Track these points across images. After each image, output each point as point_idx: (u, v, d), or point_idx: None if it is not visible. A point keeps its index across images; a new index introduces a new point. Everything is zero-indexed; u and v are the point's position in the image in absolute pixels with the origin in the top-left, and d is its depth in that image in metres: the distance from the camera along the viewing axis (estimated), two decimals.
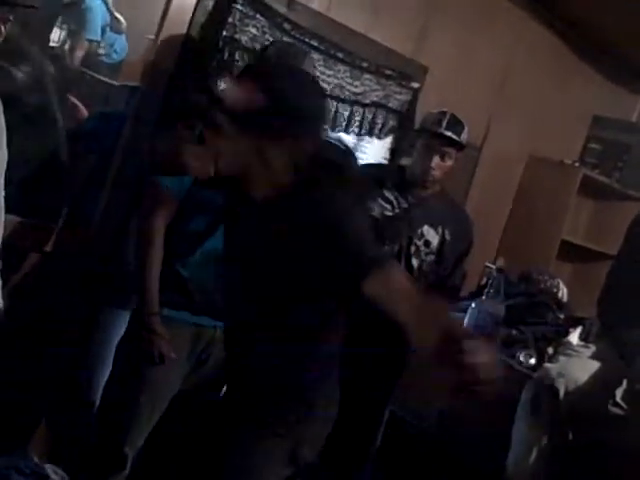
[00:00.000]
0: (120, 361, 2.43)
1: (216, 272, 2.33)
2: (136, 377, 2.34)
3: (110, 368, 2.49)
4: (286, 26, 3.00)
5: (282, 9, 2.97)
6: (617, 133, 4.65)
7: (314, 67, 2.80)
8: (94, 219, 2.81)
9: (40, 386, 2.69)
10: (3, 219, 1.98)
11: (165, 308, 2.36)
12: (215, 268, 2.35)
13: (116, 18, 3.44)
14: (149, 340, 2.31)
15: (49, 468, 2.67)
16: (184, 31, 2.79)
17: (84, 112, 3.31)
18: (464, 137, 2.99)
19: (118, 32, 3.69)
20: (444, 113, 2.97)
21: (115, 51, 3.90)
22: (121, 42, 3.75)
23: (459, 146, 2.98)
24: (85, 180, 2.88)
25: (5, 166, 1.94)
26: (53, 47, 3.86)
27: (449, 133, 2.93)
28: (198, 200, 2.34)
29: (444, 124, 2.93)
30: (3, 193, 1.97)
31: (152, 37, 2.78)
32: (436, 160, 2.93)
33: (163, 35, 2.77)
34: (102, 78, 3.73)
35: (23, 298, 2.63)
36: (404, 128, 3.52)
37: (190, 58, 2.80)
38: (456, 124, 2.96)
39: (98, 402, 2.62)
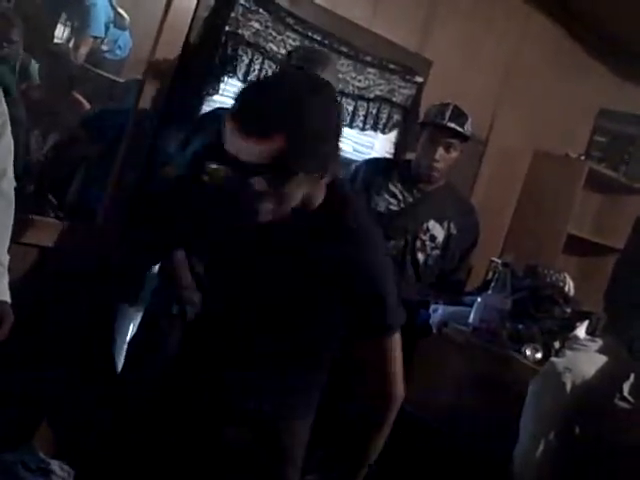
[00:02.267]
0: (131, 359, 2.43)
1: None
2: (147, 376, 2.34)
3: (115, 363, 2.50)
4: (289, 21, 2.99)
5: (285, 3, 2.97)
6: (623, 126, 4.63)
7: (338, 72, 2.79)
8: (98, 215, 2.81)
9: (46, 381, 2.69)
10: (13, 212, 1.98)
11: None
12: None
13: (119, 14, 3.44)
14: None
15: (55, 463, 2.67)
16: (187, 26, 2.79)
17: (87, 108, 3.32)
18: (468, 128, 2.98)
19: (122, 28, 3.69)
20: (447, 105, 2.96)
21: (119, 47, 3.89)
22: (125, 38, 3.75)
23: (463, 137, 2.97)
24: (88, 176, 2.88)
25: (12, 155, 1.93)
26: (57, 44, 3.86)
27: (452, 125, 2.92)
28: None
29: (447, 116, 2.92)
30: (14, 184, 1.96)
31: (155, 33, 2.77)
32: (440, 152, 2.93)
33: (166, 31, 2.76)
34: (106, 74, 3.74)
35: (29, 294, 2.64)
36: (408, 122, 3.51)
37: (193, 53, 2.80)
38: (459, 115, 2.95)
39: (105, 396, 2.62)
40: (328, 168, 1.52)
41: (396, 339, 1.67)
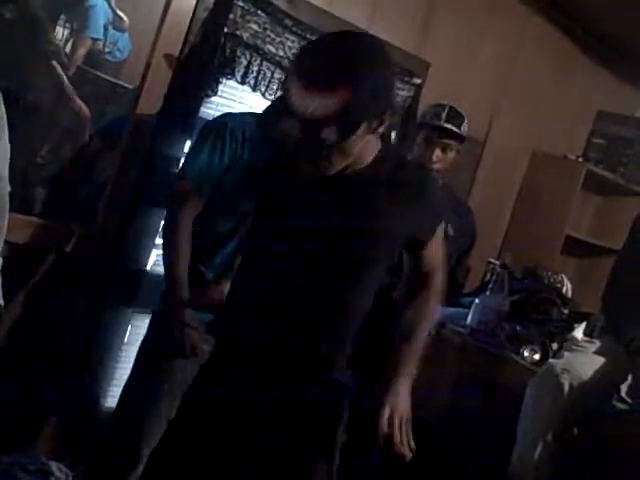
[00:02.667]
0: (141, 362, 2.44)
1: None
2: (157, 380, 2.35)
3: (115, 364, 2.50)
4: (288, 22, 2.99)
5: (284, 5, 2.97)
6: (621, 128, 4.64)
7: None
8: (97, 217, 2.81)
9: (45, 383, 2.69)
10: (7, 216, 1.97)
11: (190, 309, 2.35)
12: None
13: (118, 16, 3.44)
14: (181, 332, 2.30)
15: (54, 465, 2.67)
16: (186, 28, 2.79)
17: (87, 112, 3.32)
18: (464, 129, 2.99)
19: (121, 30, 3.69)
20: (443, 106, 2.97)
21: (118, 49, 3.89)
22: (124, 40, 3.75)
23: (460, 138, 2.97)
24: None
25: (8, 160, 1.93)
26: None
27: (449, 125, 2.92)
28: (222, 202, 2.35)
29: (444, 117, 2.92)
30: (9, 188, 1.95)
31: (154, 35, 2.77)
32: (437, 153, 2.93)
33: (164, 32, 2.76)
34: (106, 76, 3.74)
35: (31, 296, 2.64)
36: (406, 124, 3.52)
37: (192, 55, 2.80)
38: (456, 116, 2.96)
39: (103, 398, 2.62)
40: (385, 118, 1.61)
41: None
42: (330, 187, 1.70)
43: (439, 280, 1.98)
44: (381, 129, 1.65)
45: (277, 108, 2.03)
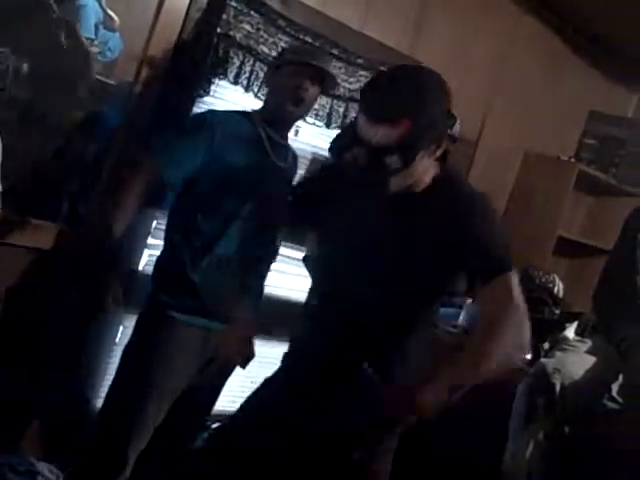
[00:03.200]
0: (127, 365, 2.42)
1: (229, 275, 2.37)
2: (144, 382, 2.33)
3: (106, 365, 2.49)
4: (281, 23, 2.99)
5: (277, 6, 2.97)
6: (613, 129, 4.65)
7: (331, 61, 2.79)
8: (89, 217, 2.80)
9: (35, 383, 2.68)
10: None
11: (176, 312, 2.35)
12: (226, 272, 2.37)
13: (109, 15, 3.42)
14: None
15: (44, 466, 2.66)
16: (178, 28, 2.79)
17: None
18: (456, 129, 2.98)
19: (111, 30, 3.67)
20: None
21: (109, 49, 3.88)
22: (115, 40, 3.73)
23: (452, 139, 2.97)
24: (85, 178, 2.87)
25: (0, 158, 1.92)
26: None
27: None
28: (205, 203, 2.34)
29: None
30: (0, 188, 1.95)
31: (146, 34, 2.77)
32: None
33: (157, 32, 2.76)
34: (97, 76, 3.72)
35: (19, 296, 2.63)
36: None
37: (184, 55, 2.80)
38: (448, 117, 2.95)
39: (94, 399, 2.62)
40: (442, 143, 1.82)
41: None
42: (391, 205, 1.86)
43: (509, 326, 1.79)
44: (439, 152, 1.83)
45: (346, 135, 2.12)
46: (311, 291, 2.08)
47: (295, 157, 2.63)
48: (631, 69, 4.69)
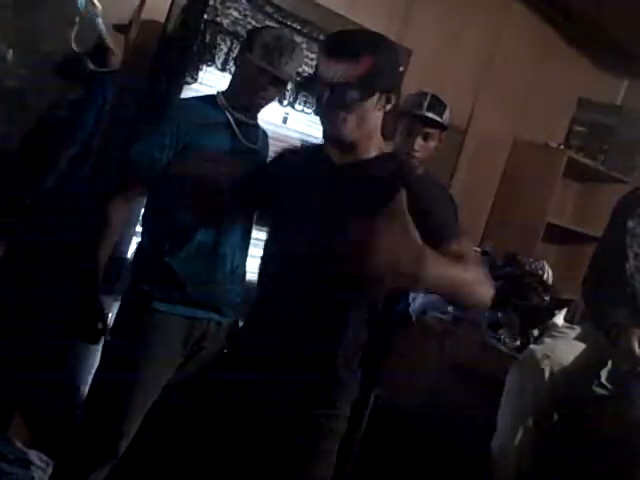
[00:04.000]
0: (111, 353, 2.42)
1: (209, 263, 2.37)
2: (129, 370, 2.33)
3: (93, 352, 2.48)
4: (268, 9, 2.98)
5: None
6: (602, 116, 4.66)
7: (304, 57, 2.79)
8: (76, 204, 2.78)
9: (22, 371, 2.67)
10: None
11: (158, 302, 2.35)
12: (206, 259, 2.37)
13: (91, 1, 3.40)
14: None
15: (33, 454, 2.66)
16: (165, 14, 2.77)
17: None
18: (446, 117, 2.98)
19: (94, 15, 3.64)
20: (425, 94, 2.96)
21: None
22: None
23: (442, 127, 2.97)
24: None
25: None
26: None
27: (431, 114, 2.91)
28: (183, 193, 2.33)
29: (425, 105, 2.91)
30: None
31: (132, 21, 2.74)
32: (419, 142, 2.92)
33: (144, 19, 2.74)
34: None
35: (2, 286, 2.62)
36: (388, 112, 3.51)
37: (171, 42, 2.78)
38: (437, 105, 2.95)
39: (82, 387, 2.61)
40: (392, 98, 1.89)
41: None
42: (336, 177, 1.92)
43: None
44: (388, 107, 1.90)
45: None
46: (261, 270, 2.08)
47: (266, 136, 2.63)
48: (620, 56, 4.69)
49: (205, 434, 2.01)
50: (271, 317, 1.96)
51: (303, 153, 2.13)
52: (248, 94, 2.44)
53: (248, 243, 2.58)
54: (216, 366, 2.18)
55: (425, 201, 1.83)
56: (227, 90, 2.50)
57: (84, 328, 2.42)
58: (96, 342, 2.45)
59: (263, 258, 2.07)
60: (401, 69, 2.05)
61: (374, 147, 1.94)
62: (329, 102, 1.84)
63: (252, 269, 2.75)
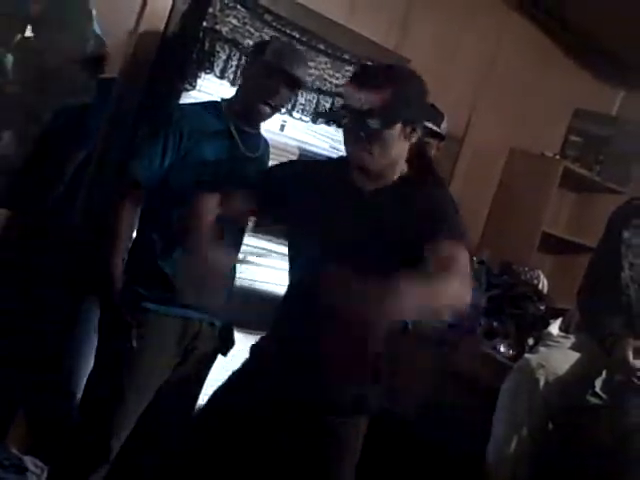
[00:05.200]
0: (105, 353, 2.43)
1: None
2: (124, 370, 2.34)
3: (90, 357, 2.48)
4: (267, 17, 2.98)
5: (263, 0, 2.96)
6: (598, 126, 4.68)
7: (309, 68, 2.80)
8: (75, 211, 2.79)
9: (19, 377, 2.67)
10: None
11: (150, 302, 2.37)
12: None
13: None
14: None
15: (28, 460, 2.65)
16: (164, 22, 2.78)
17: None
18: (444, 127, 2.99)
19: (91, 22, 3.64)
20: None
21: None
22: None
23: (440, 136, 2.98)
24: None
25: None
26: (28, 37, 3.81)
27: (429, 124, 2.92)
28: (175, 198, 2.34)
29: None
30: None
31: (132, 28, 2.75)
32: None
33: (143, 26, 2.75)
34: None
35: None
36: None
37: (170, 49, 2.79)
38: (436, 115, 2.96)
39: (79, 393, 2.61)
40: (417, 129, 1.97)
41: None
42: (359, 200, 2.01)
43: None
44: (413, 138, 1.97)
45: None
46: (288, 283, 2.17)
47: (267, 145, 2.64)
48: (616, 67, 4.71)
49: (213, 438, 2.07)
50: (294, 331, 2.04)
51: (321, 169, 2.18)
52: (259, 99, 2.42)
53: (239, 247, 2.60)
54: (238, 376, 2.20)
55: (428, 202, 1.96)
56: (232, 98, 2.51)
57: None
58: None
59: (289, 271, 2.15)
60: (427, 101, 2.09)
61: (396, 173, 2.02)
62: (351, 129, 1.94)
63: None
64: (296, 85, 2.47)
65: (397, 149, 1.97)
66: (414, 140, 1.99)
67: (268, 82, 2.40)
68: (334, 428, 2.02)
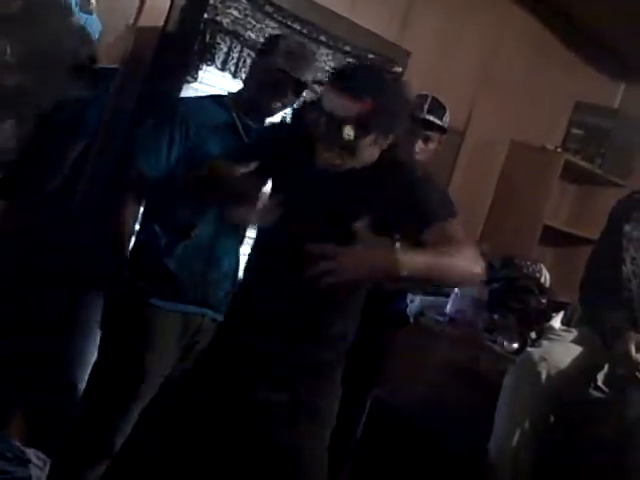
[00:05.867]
0: (108, 348, 2.43)
1: (205, 264, 2.40)
2: (127, 366, 2.35)
3: (91, 350, 2.49)
4: (268, 9, 2.97)
5: None
6: (599, 119, 4.66)
7: (317, 64, 2.80)
8: (74, 203, 2.78)
9: (20, 369, 2.66)
10: None
11: (154, 298, 2.37)
12: (202, 257, 2.37)
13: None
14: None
15: (31, 452, 2.65)
16: (165, 14, 2.76)
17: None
18: (446, 120, 2.98)
19: (88, 12, 3.62)
20: (425, 97, 2.95)
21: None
22: (92, 21, 3.68)
23: (442, 130, 2.97)
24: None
25: None
26: None
27: (431, 117, 2.91)
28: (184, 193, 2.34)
29: (425, 108, 2.91)
30: None
31: (132, 20, 2.74)
32: (419, 144, 2.92)
33: (143, 18, 2.73)
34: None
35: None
36: None
37: (171, 41, 2.77)
38: (437, 108, 2.94)
39: (80, 385, 2.61)
40: (391, 135, 1.94)
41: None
42: (335, 180, 1.97)
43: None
44: (385, 144, 1.96)
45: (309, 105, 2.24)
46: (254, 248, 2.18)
47: None
48: (617, 60, 4.70)
49: (197, 429, 2.09)
50: (255, 307, 2.05)
51: (292, 141, 2.09)
52: (265, 99, 2.43)
53: (242, 243, 2.60)
54: (204, 357, 2.25)
55: (411, 190, 1.97)
56: (238, 93, 2.50)
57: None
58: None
59: (252, 247, 2.15)
60: (408, 110, 2.05)
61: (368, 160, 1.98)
62: (324, 133, 1.90)
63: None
64: (303, 89, 2.49)
65: (368, 154, 1.96)
66: (385, 146, 1.97)
67: (275, 85, 2.40)
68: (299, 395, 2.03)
